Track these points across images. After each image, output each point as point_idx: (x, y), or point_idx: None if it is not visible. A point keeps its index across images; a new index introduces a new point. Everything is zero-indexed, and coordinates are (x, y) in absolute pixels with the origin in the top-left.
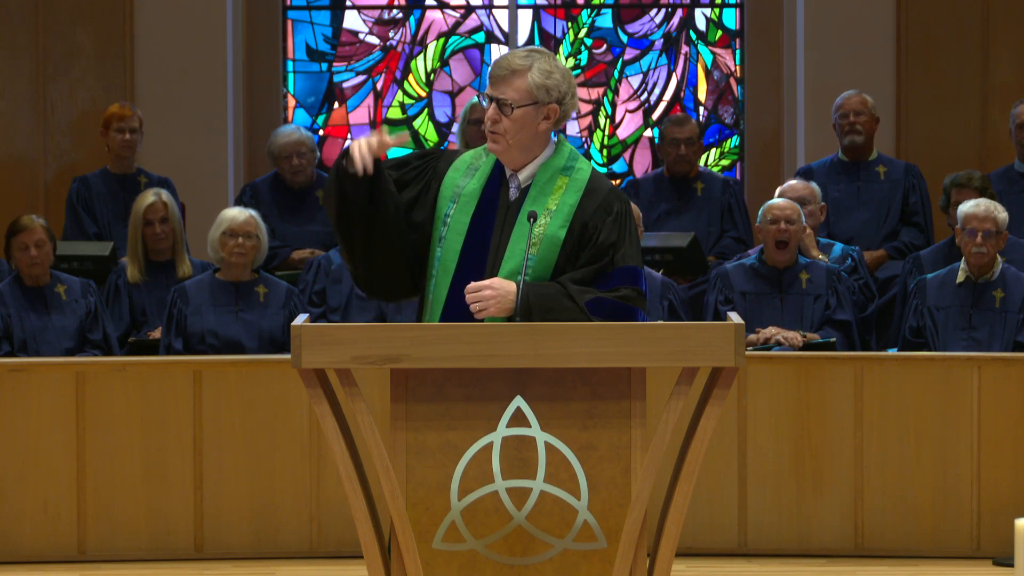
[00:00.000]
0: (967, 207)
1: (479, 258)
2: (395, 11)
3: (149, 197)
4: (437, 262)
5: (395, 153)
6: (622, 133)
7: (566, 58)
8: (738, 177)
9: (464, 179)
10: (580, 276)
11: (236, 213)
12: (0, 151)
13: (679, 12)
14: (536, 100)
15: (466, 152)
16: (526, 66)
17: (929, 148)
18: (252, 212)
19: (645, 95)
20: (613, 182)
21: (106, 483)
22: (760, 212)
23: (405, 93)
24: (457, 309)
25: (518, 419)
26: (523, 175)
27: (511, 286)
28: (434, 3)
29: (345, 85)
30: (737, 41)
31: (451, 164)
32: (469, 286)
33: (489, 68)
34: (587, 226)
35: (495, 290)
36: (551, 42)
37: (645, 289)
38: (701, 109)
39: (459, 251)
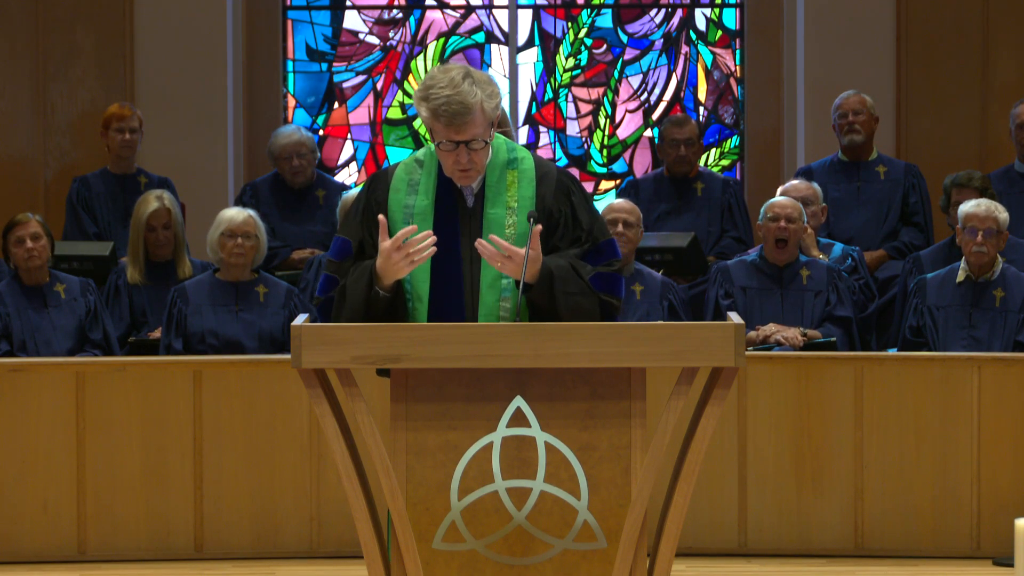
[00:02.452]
0: (968, 207)
1: (452, 272)
2: (395, 11)
3: (153, 203)
4: (408, 284)
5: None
6: (622, 133)
7: (566, 58)
8: (738, 177)
9: (409, 197)
10: (575, 254)
11: (234, 214)
12: (0, 151)
13: (679, 12)
14: (492, 122)
15: (397, 168)
16: (479, 99)
17: (929, 148)
18: (250, 212)
19: (645, 95)
20: (613, 182)
21: (106, 483)
22: (762, 209)
23: (405, 93)
24: (441, 318)
25: (518, 419)
26: (474, 181)
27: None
28: (434, 3)
29: (345, 85)
30: (737, 41)
31: (389, 186)
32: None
33: (433, 106)
34: (551, 212)
35: (513, 260)
36: (551, 42)
37: (620, 256)
38: (701, 109)
39: (428, 269)
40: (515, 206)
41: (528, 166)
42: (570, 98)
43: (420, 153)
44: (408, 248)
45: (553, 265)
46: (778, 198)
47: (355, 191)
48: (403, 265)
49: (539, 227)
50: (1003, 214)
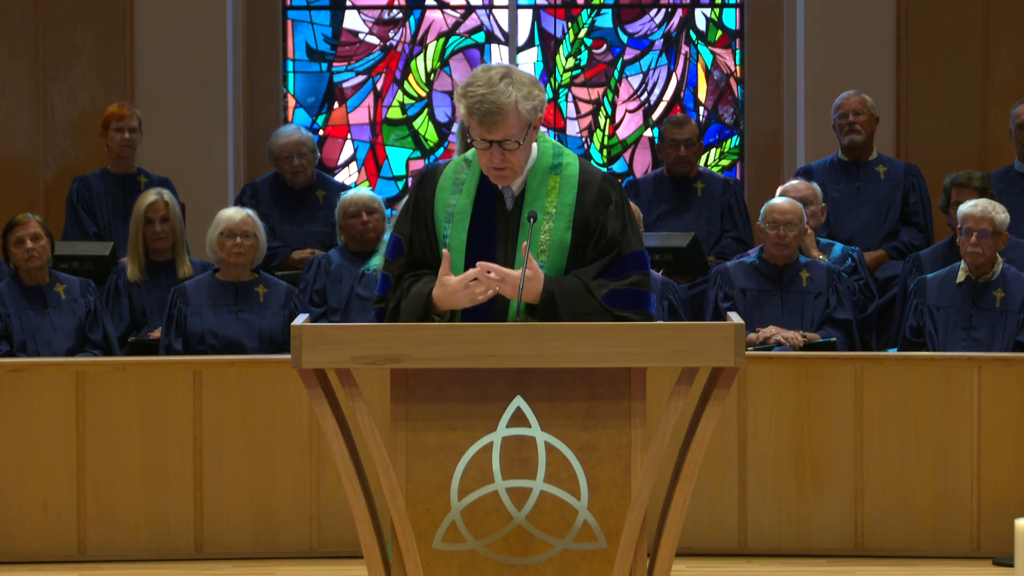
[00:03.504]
0: (965, 207)
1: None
2: (395, 11)
3: (151, 196)
4: None
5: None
6: (622, 133)
7: (566, 58)
8: (738, 177)
9: (453, 196)
10: (593, 270)
11: (232, 213)
12: (0, 151)
13: (679, 12)
14: (530, 123)
15: (447, 167)
16: (513, 99)
17: (929, 148)
18: (248, 211)
19: (645, 95)
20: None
21: (106, 483)
22: (762, 211)
23: (405, 93)
24: (474, 319)
25: (518, 419)
26: (515, 183)
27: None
28: (434, 3)
29: (345, 85)
30: (737, 41)
31: (436, 185)
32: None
33: (468, 103)
34: (589, 221)
35: (506, 283)
36: (551, 42)
37: (649, 268)
38: (701, 109)
39: (463, 270)
40: (553, 212)
41: (572, 172)
42: (570, 98)
43: (470, 153)
44: (474, 288)
45: (558, 288)
46: (778, 201)
47: (354, 191)
48: (465, 302)
49: (526, 244)
50: (1000, 215)
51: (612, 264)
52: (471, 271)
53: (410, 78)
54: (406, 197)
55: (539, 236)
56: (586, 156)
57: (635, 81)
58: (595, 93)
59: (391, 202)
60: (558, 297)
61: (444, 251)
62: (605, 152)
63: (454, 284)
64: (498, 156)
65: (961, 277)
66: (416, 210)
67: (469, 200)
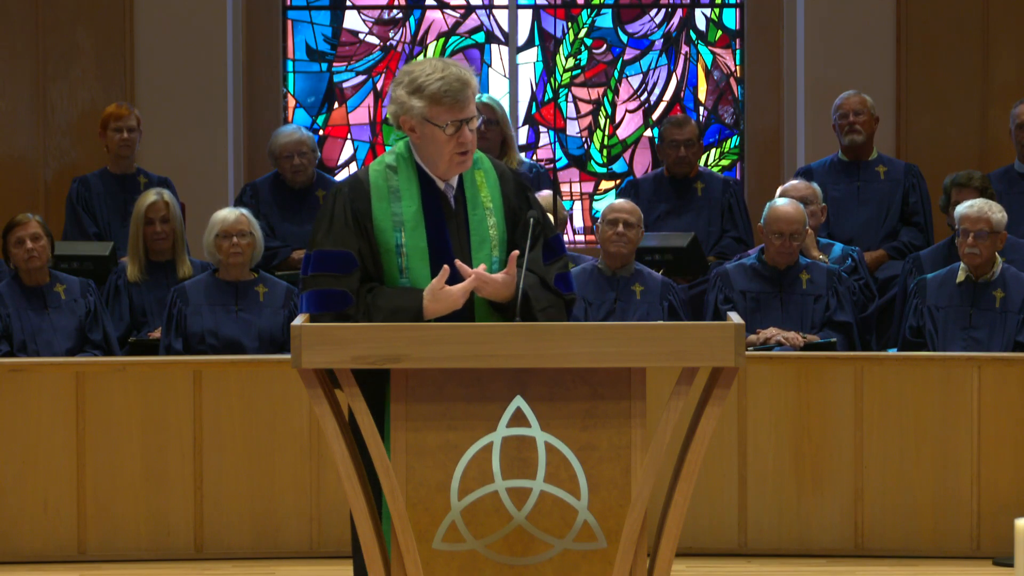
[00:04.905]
0: (962, 208)
1: (449, 277)
2: (395, 11)
3: (151, 196)
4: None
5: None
6: (622, 133)
7: (566, 58)
8: (738, 177)
9: (395, 205)
10: (534, 257)
11: (226, 214)
12: (0, 151)
13: (679, 12)
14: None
15: (370, 176)
16: (473, 77)
17: (929, 148)
18: (242, 210)
19: (645, 95)
20: (613, 182)
21: (106, 483)
22: (765, 213)
23: None
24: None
25: (518, 419)
26: (453, 181)
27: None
28: (434, 3)
29: (345, 85)
30: (737, 41)
31: (369, 195)
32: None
33: (434, 89)
34: (516, 211)
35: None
36: (551, 42)
37: (566, 251)
38: (701, 109)
39: (428, 275)
40: (491, 207)
41: (488, 166)
42: (570, 98)
43: (390, 159)
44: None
45: (526, 285)
46: (783, 207)
47: None
48: (460, 306)
49: (515, 252)
50: (997, 215)
51: (544, 249)
52: (470, 280)
53: None
54: (328, 211)
55: (488, 231)
56: (586, 156)
57: (635, 81)
58: (595, 93)
59: None
60: (530, 294)
61: (446, 266)
62: (605, 152)
63: (458, 293)
64: (467, 135)
65: (961, 277)
66: (356, 223)
67: (417, 205)
